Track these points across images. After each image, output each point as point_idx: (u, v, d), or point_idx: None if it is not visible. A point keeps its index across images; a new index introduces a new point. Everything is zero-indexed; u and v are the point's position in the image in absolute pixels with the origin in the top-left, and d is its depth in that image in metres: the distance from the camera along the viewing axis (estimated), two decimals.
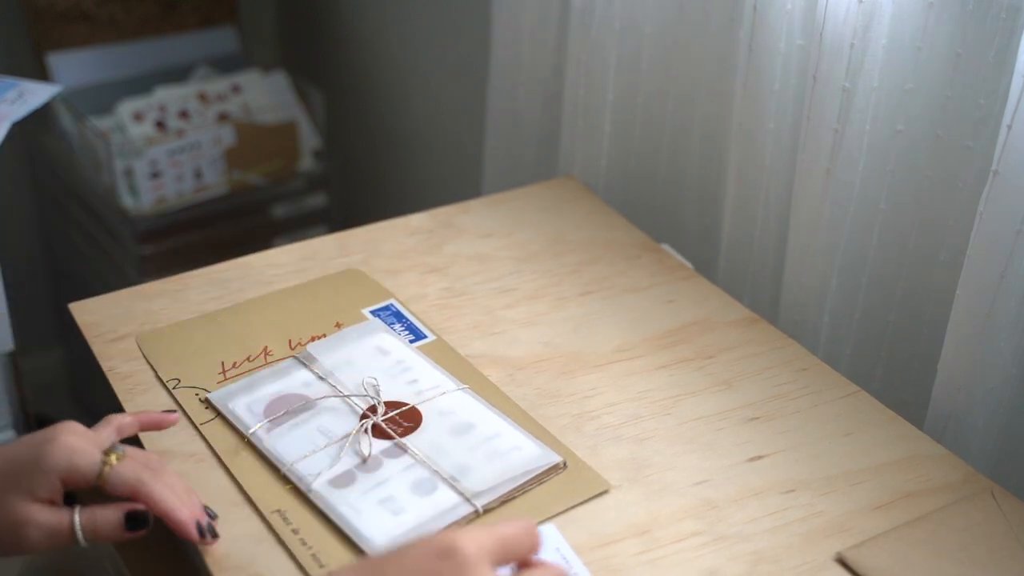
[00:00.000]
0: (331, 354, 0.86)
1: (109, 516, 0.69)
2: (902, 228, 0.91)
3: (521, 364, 0.88)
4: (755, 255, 1.03)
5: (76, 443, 0.69)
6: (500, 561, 0.57)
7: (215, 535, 0.71)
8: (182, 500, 0.70)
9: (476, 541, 0.56)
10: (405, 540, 0.57)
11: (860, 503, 0.76)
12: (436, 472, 0.75)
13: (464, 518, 0.72)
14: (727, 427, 0.82)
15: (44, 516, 0.69)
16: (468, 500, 0.73)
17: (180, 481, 0.72)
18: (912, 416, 0.85)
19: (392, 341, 0.87)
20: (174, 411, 0.79)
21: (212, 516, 0.72)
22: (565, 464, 0.76)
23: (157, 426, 0.77)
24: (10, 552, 0.69)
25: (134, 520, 0.69)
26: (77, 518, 0.69)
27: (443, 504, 0.73)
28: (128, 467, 0.69)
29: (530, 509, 0.74)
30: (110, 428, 0.72)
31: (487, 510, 0.73)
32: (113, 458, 0.70)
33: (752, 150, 0.98)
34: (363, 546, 0.70)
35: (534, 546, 0.59)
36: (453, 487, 0.74)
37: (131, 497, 0.70)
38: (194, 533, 0.69)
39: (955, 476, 0.78)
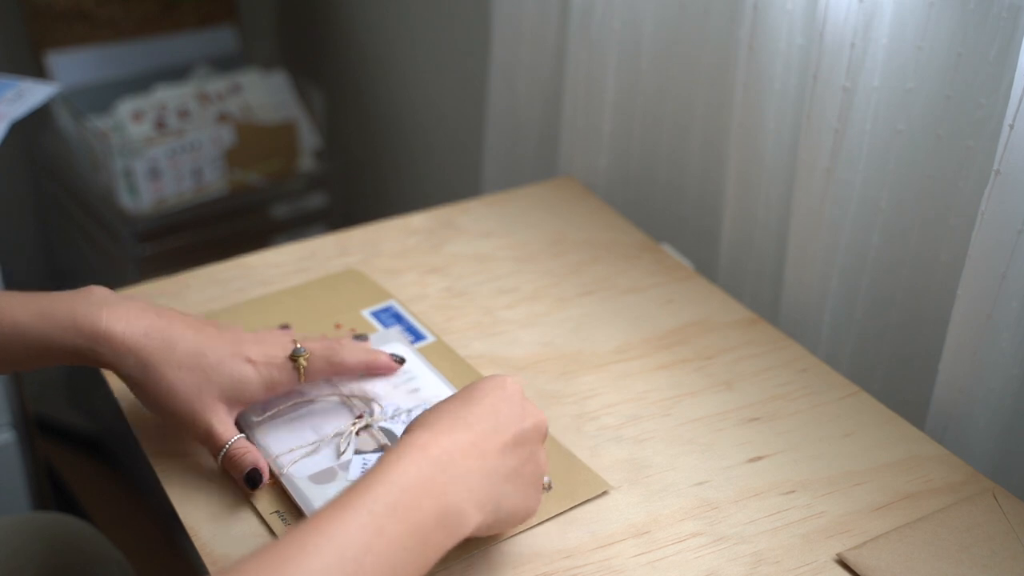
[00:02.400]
0: None
1: (244, 463, 0.74)
2: (903, 228, 0.90)
3: (521, 365, 0.88)
4: (755, 255, 1.03)
5: (279, 361, 0.76)
6: None
7: (402, 360, 0.82)
8: (372, 355, 0.80)
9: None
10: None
11: (860, 504, 0.76)
12: None
13: None
14: (727, 428, 0.82)
15: (223, 424, 0.74)
16: None
17: (359, 344, 0.81)
18: (913, 416, 0.85)
19: (404, 351, 0.87)
20: (287, 325, 0.88)
21: (400, 360, 0.83)
22: (550, 485, 0.75)
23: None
24: (161, 415, 0.75)
25: (251, 479, 0.74)
26: (226, 448, 0.74)
27: None
28: (316, 362, 0.77)
29: None
30: (290, 341, 0.78)
31: None
32: (303, 361, 0.76)
33: (752, 150, 0.98)
34: None
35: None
36: None
37: (333, 375, 0.80)
38: (392, 366, 0.82)
39: (956, 477, 0.78)
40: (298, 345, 0.77)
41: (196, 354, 0.73)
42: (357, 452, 0.77)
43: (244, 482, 0.73)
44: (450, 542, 0.62)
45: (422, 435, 0.63)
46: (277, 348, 0.77)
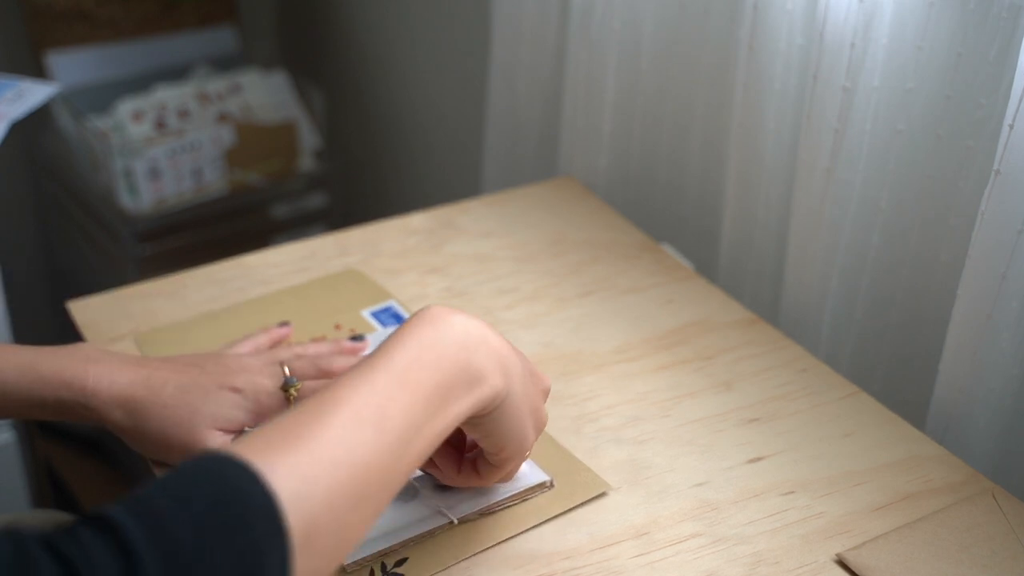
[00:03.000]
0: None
1: None
2: (903, 228, 0.90)
3: None
4: (755, 255, 1.02)
5: (269, 389, 0.76)
6: None
7: None
8: None
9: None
10: None
11: (860, 504, 0.76)
12: (419, 481, 0.75)
13: (439, 528, 0.72)
14: (727, 428, 0.82)
15: (218, 444, 0.74)
16: (444, 512, 0.73)
17: (348, 360, 0.80)
18: (913, 416, 0.85)
19: None
20: (287, 323, 0.88)
21: None
22: (552, 483, 0.76)
23: (280, 339, 0.86)
24: (159, 455, 0.76)
25: None
26: None
27: (420, 512, 0.72)
28: (307, 392, 0.76)
29: (529, 511, 0.74)
30: (280, 367, 0.78)
31: (463, 522, 0.73)
32: (293, 392, 0.76)
33: (752, 150, 0.98)
34: None
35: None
36: (432, 498, 0.73)
37: None
38: None
39: (956, 477, 0.78)
40: (288, 374, 0.77)
41: (182, 392, 0.74)
42: None
43: None
44: (472, 400, 0.63)
45: (435, 308, 0.65)
46: (266, 377, 0.77)
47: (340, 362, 0.80)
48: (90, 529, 0.48)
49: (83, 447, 1.83)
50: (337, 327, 0.91)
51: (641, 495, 0.76)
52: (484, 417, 0.65)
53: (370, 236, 1.03)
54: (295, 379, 0.77)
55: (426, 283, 0.97)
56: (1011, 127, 0.72)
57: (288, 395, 0.76)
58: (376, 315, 0.92)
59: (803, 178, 0.92)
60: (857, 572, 0.70)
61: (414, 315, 0.65)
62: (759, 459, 0.79)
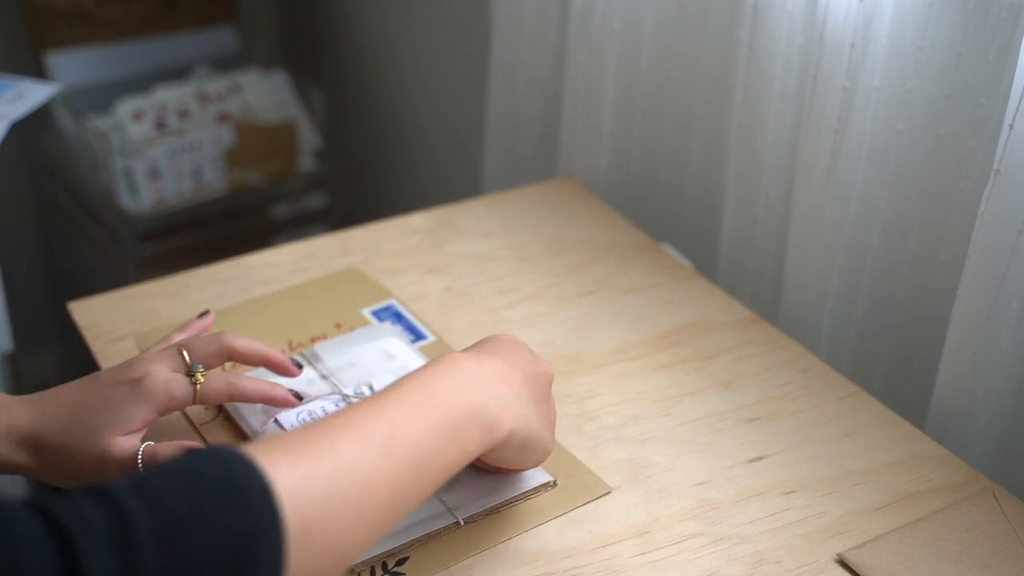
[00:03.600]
0: (336, 355, 0.86)
1: (169, 452, 0.72)
2: (903, 228, 0.90)
3: None
4: (755, 255, 1.03)
5: (168, 375, 0.73)
6: None
7: (301, 399, 0.79)
8: (270, 386, 0.77)
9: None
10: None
11: (861, 504, 0.76)
12: None
13: (445, 528, 0.72)
14: (727, 428, 0.82)
15: (125, 446, 0.71)
16: (450, 511, 0.73)
17: (245, 338, 0.78)
18: (913, 416, 0.85)
19: (400, 346, 0.87)
20: (206, 312, 0.87)
21: (299, 397, 0.79)
22: (555, 483, 0.76)
23: (201, 331, 0.84)
24: (78, 478, 0.72)
25: None
26: (140, 452, 0.71)
27: (425, 513, 0.73)
28: (213, 379, 0.74)
29: (529, 513, 0.74)
30: (178, 352, 0.76)
31: (468, 522, 0.73)
32: (199, 376, 0.74)
33: (752, 150, 0.98)
34: None
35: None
36: (436, 498, 0.74)
37: (229, 400, 0.76)
38: (290, 402, 0.78)
39: (956, 477, 0.78)
40: (188, 358, 0.74)
41: (76, 411, 0.71)
42: None
43: None
44: (486, 440, 0.64)
45: (449, 355, 0.66)
46: (160, 362, 0.74)
47: (241, 340, 0.77)
48: (85, 496, 0.48)
49: None
50: (338, 326, 0.91)
51: (642, 494, 0.76)
52: (500, 450, 0.66)
53: (371, 236, 1.03)
54: (199, 365, 0.74)
55: (426, 283, 0.97)
56: (1011, 127, 0.72)
57: (194, 381, 0.73)
58: (376, 314, 0.92)
59: (803, 178, 0.92)
60: (858, 572, 0.70)
61: (430, 361, 0.66)
62: (760, 458, 0.79)
